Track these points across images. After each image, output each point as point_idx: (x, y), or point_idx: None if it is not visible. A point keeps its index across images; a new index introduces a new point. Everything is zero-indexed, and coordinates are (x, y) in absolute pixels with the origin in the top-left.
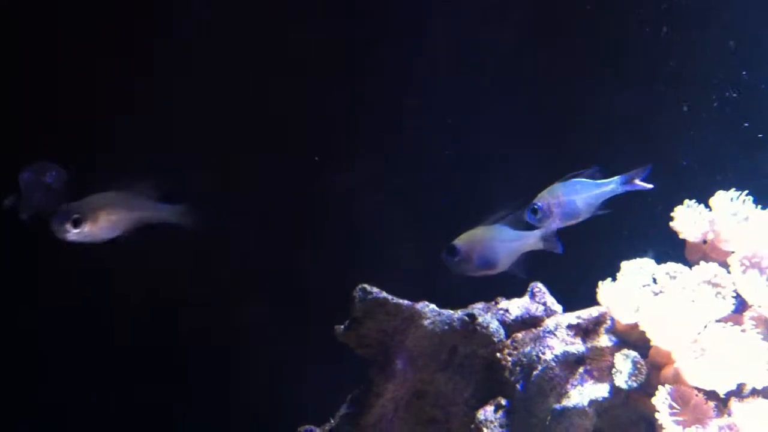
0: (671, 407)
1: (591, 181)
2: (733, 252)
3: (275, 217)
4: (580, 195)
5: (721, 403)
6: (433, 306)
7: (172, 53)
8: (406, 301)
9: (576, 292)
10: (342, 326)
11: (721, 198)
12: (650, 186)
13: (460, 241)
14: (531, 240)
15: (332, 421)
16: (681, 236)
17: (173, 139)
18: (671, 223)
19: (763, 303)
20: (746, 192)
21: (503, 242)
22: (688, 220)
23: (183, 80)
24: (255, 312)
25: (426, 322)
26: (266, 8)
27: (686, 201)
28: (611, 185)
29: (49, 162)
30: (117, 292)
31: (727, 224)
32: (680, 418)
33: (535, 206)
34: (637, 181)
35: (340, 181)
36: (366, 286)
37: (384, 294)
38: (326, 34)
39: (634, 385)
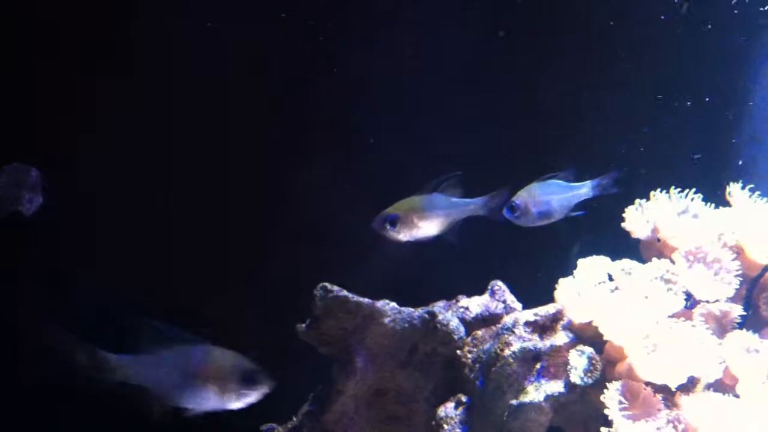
0: (621, 402)
1: (566, 183)
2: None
3: (237, 214)
4: (556, 196)
5: (673, 396)
6: (393, 304)
7: (142, 51)
8: (366, 300)
9: (538, 290)
10: (303, 324)
11: (659, 198)
12: (616, 190)
13: (398, 210)
14: (470, 207)
15: (294, 419)
16: (633, 236)
17: (141, 138)
18: (623, 224)
19: (708, 296)
20: (694, 190)
21: (440, 209)
22: (637, 220)
23: (146, 79)
24: (219, 310)
25: (386, 320)
26: (230, 5)
27: (637, 201)
28: (584, 188)
29: (23, 162)
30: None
31: (667, 222)
32: (630, 412)
33: (514, 204)
34: (606, 185)
35: (304, 178)
36: (327, 284)
37: (345, 292)
38: (290, 31)
39: (589, 381)
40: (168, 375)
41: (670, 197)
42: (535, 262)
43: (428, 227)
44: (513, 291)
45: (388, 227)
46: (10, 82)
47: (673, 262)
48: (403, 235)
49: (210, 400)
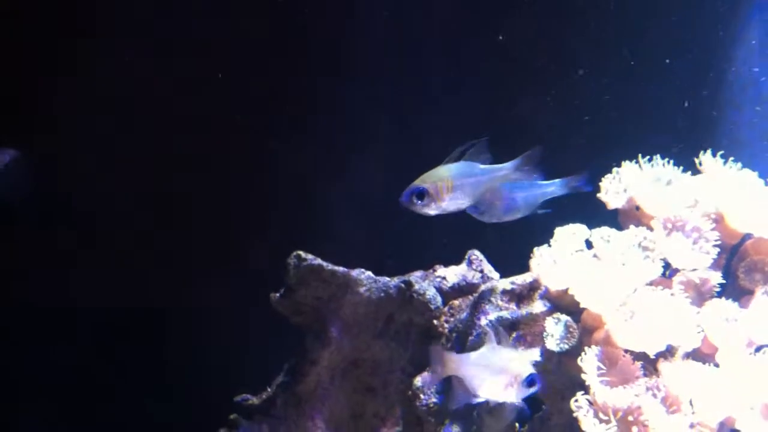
0: (599, 368)
1: (533, 182)
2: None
3: (225, 199)
4: (521, 193)
5: (651, 365)
6: (369, 273)
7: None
8: (341, 268)
9: (517, 260)
10: (277, 294)
11: (630, 168)
12: (590, 188)
13: (424, 182)
14: (502, 173)
15: (269, 390)
16: (609, 207)
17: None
18: (598, 194)
19: (686, 265)
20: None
21: (470, 178)
22: (613, 189)
23: (136, 67)
24: (201, 288)
25: (362, 290)
26: None
27: (614, 169)
28: (552, 187)
29: None
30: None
31: (643, 190)
32: (608, 378)
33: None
34: (576, 185)
35: (289, 163)
36: (301, 252)
37: (319, 261)
38: (269, 17)
39: (565, 347)
40: None
41: (631, 168)
42: (514, 232)
43: (458, 198)
44: (491, 261)
45: (416, 201)
46: None
47: (651, 230)
48: (433, 208)
49: None
